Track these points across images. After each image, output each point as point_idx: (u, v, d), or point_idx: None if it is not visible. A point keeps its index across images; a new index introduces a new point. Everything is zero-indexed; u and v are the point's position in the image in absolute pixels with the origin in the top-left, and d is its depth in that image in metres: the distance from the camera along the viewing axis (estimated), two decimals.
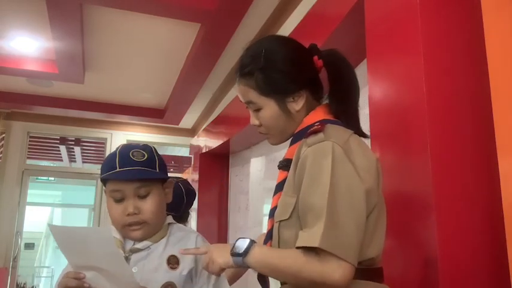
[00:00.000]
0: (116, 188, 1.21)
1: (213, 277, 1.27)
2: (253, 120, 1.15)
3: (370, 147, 1.25)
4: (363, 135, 1.10)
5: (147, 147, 1.28)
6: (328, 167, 0.91)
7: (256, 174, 3.79)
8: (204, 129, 4.81)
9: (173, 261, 1.24)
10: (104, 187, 1.28)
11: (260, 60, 1.08)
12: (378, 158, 1.03)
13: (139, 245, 1.23)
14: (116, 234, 1.26)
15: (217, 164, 4.59)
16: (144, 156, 1.24)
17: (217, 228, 4.46)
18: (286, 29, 2.77)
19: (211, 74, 3.96)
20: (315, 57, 1.11)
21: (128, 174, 1.20)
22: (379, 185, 1.00)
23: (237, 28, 3.12)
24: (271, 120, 1.10)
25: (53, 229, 1.10)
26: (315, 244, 0.87)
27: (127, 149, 1.24)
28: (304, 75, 1.09)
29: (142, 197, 1.22)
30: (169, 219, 1.33)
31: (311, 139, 0.98)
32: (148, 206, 1.22)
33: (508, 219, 1.07)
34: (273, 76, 1.07)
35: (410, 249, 1.28)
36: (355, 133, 1.05)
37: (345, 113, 1.09)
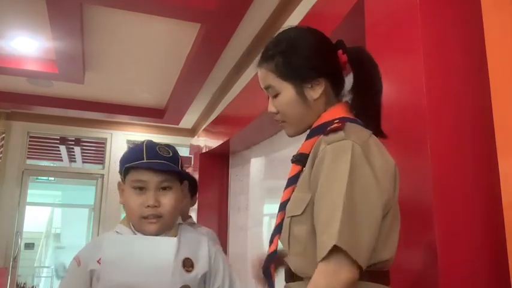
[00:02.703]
0: (141, 178, 1.24)
1: (227, 281, 1.31)
2: (271, 107, 1.13)
3: None
4: (382, 135, 1.08)
5: (170, 146, 1.32)
6: (347, 166, 0.90)
7: (256, 174, 3.79)
8: (204, 129, 4.82)
9: (188, 264, 1.25)
10: (122, 180, 1.29)
11: (283, 45, 1.08)
12: (395, 162, 1.01)
13: None
14: (128, 233, 1.27)
15: (217, 164, 4.59)
16: (169, 153, 1.28)
17: (217, 228, 4.46)
18: None
19: (211, 74, 3.96)
20: (340, 52, 1.10)
21: (157, 165, 1.23)
22: (395, 189, 0.99)
23: (237, 28, 3.12)
24: (287, 106, 1.08)
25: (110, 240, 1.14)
26: (333, 241, 0.84)
27: (153, 144, 1.28)
28: (324, 65, 1.08)
29: (164, 192, 1.25)
30: (179, 219, 1.35)
31: (331, 137, 0.96)
32: (168, 200, 1.25)
33: (508, 219, 1.07)
34: (293, 60, 1.07)
35: (410, 249, 1.28)
36: (374, 134, 1.04)
37: (365, 111, 1.07)
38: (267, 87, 1.11)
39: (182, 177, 1.32)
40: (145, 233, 1.25)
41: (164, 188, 1.25)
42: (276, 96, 1.10)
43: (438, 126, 1.26)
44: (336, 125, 0.98)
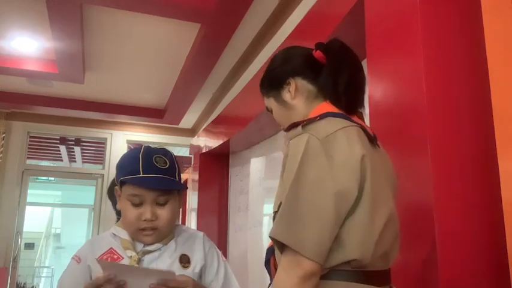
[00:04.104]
0: (137, 193, 1.21)
1: (222, 273, 1.31)
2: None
3: None
4: (356, 112, 1.07)
5: (167, 153, 1.28)
6: (297, 160, 0.91)
7: (256, 174, 3.79)
8: (204, 129, 4.82)
9: (185, 260, 1.26)
10: (119, 187, 1.27)
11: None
12: (365, 154, 0.95)
13: (150, 247, 1.25)
14: (125, 236, 1.27)
15: (217, 164, 4.59)
16: (166, 163, 1.24)
17: (217, 228, 4.47)
18: (286, 29, 2.77)
19: (211, 74, 3.96)
20: (313, 52, 1.13)
21: (154, 183, 1.21)
22: (364, 181, 0.93)
23: (237, 28, 3.12)
24: (278, 116, 1.17)
25: (102, 264, 1.11)
26: (270, 234, 0.89)
27: (150, 154, 1.24)
28: (289, 66, 1.14)
29: (161, 205, 1.23)
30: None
31: (291, 133, 0.99)
32: (166, 213, 1.24)
33: (508, 219, 1.07)
34: (267, 76, 1.19)
35: (410, 249, 1.28)
36: (346, 112, 1.03)
37: (335, 89, 1.06)
38: (267, 109, 1.22)
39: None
40: (141, 242, 1.25)
41: (161, 203, 1.23)
42: (272, 113, 1.20)
43: (438, 126, 1.26)
44: (300, 120, 1.01)
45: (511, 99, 1.10)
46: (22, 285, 6.01)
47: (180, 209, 1.34)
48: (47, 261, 11.03)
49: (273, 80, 1.16)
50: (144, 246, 1.25)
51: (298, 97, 1.11)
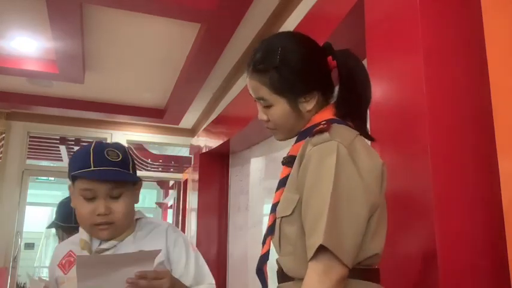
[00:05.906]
0: (89, 187, 1.19)
1: (192, 265, 1.26)
2: (261, 115, 1.14)
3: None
4: (369, 138, 1.10)
5: (121, 147, 1.26)
6: (332, 167, 0.91)
7: (256, 174, 3.79)
8: (204, 129, 4.82)
9: None
10: (72, 184, 1.25)
11: (276, 58, 1.06)
12: (384, 162, 1.02)
13: (105, 245, 1.22)
14: (83, 235, 1.25)
15: (217, 164, 4.59)
16: (118, 156, 1.22)
17: (217, 228, 4.47)
18: (286, 29, 2.77)
19: (211, 74, 3.96)
20: (329, 58, 1.11)
21: (105, 175, 1.18)
22: (382, 188, 1.00)
23: (237, 28, 3.12)
24: (281, 118, 1.10)
25: (80, 259, 1.07)
26: (320, 241, 0.86)
27: (101, 148, 1.22)
28: (317, 77, 1.09)
29: (114, 198, 1.21)
30: (138, 214, 1.31)
31: (316, 138, 0.98)
32: (120, 207, 1.21)
33: (508, 219, 1.07)
34: (288, 76, 1.06)
35: (410, 249, 1.28)
36: (360, 135, 1.05)
37: (353, 114, 1.08)
38: (259, 99, 1.11)
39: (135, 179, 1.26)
40: (98, 238, 1.23)
41: (115, 196, 1.21)
42: (268, 106, 1.10)
43: (438, 126, 1.26)
44: (321, 126, 0.99)
45: (511, 99, 1.10)
46: (22, 285, 5.99)
47: (136, 203, 1.31)
48: (47, 261, 11.02)
49: (295, 86, 1.07)
50: (100, 244, 1.22)
51: (313, 109, 1.09)
